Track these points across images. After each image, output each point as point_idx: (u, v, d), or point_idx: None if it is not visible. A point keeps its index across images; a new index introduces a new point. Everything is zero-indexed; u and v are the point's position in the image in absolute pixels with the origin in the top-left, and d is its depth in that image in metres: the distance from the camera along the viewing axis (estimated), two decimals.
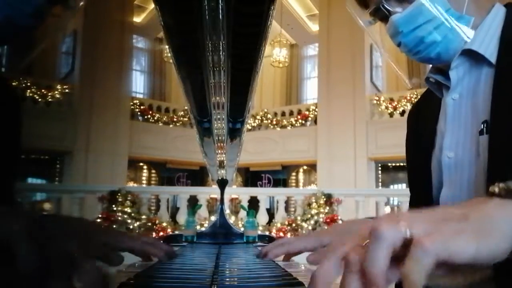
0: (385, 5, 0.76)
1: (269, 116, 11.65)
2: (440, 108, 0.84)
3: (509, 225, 0.34)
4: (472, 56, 0.73)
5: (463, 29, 0.72)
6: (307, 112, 11.06)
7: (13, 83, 8.80)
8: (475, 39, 0.73)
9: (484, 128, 0.68)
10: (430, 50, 0.74)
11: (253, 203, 6.91)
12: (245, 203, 6.70)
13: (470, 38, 0.73)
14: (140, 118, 10.73)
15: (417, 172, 0.87)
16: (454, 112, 0.77)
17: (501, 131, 0.65)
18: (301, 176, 12.95)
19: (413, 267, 0.31)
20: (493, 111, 0.67)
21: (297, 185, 12.79)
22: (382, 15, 0.78)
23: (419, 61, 0.78)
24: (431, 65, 0.84)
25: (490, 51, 0.71)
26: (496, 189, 0.39)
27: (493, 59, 0.70)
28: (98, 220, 6.23)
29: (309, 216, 6.78)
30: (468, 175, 0.72)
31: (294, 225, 6.80)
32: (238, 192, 8.21)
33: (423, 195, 0.83)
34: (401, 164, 10.53)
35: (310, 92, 13.66)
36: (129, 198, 6.70)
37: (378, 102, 9.83)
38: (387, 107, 9.73)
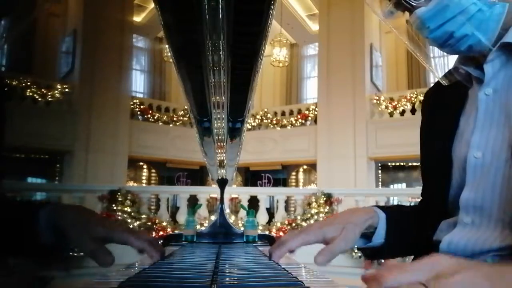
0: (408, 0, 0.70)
1: (269, 115, 11.65)
2: (465, 98, 0.78)
3: None
4: (510, 50, 0.68)
5: (493, 19, 0.67)
6: (307, 112, 11.07)
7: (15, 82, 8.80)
8: None
9: None
10: (460, 44, 0.69)
11: (253, 203, 6.91)
12: (245, 203, 6.71)
13: (499, 27, 0.67)
14: (140, 117, 10.73)
15: (434, 165, 0.82)
16: (486, 109, 0.71)
17: None
18: (301, 175, 12.95)
19: None
20: None
21: (297, 185, 12.80)
22: (404, 7, 0.72)
23: (448, 53, 0.73)
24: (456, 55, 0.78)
25: None
26: None
27: None
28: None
29: (309, 215, 6.78)
30: (494, 178, 0.67)
31: (294, 224, 6.80)
32: (238, 191, 8.21)
33: (439, 190, 0.79)
34: (401, 163, 10.55)
35: (310, 91, 13.65)
36: (129, 198, 6.70)
37: (378, 102, 9.83)
38: (387, 107, 9.73)
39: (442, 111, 0.83)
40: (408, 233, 0.85)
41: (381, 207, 0.86)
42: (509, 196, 0.64)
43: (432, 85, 0.94)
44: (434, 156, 0.82)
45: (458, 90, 0.79)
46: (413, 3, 0.70)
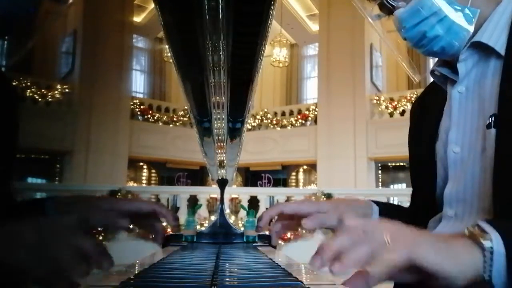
0: (388, 0, 0.75)
1: (269, 116, 11.66)
2: (445, 101, 0.81)
3: (470, 261, 0.47)
4: (481, 49, 0.72)
5: (463, 23, 0.70)
6: (307, 112, 11.07)
7: (12, 82, 8.80)
8: (485, 31, 0.71)
9: (492, 122, 0.66)
10: (433, 44, 0.73)
11: (253, 203, 6.91)
12: (245, 203, 6.71)
13: (470, 32, 0.71)
14: (140, 117, 10.73)
15: (420, 166, 0.85)
16: (460, 105, 0.75)
17: (509, 125, 0.63)
18: (301, 176, 12.95)
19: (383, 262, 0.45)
20: (501, 104, 0.65)
21: (297, 185, 12.80)
22: (388, 10, 0.77)
23: (424, 54, 0.77)
24: (436, 59, 0.82)
25: (500, 43, 0.69)
26: (467, 231, 0.50)
27: (503, 51, 0.68)
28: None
29: None
30: (473, 170, 0.70)
31: None
32: (238, 192, 8.21)
33: (427, 189, 0.81)
34: (401, 164, 10.54)
35: (310, 92, 13.66)
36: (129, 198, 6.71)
37: (378, 102, 9.84)
38: (387, 107, 9.73)
39: (425, 115, 0.87)
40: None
41: (377, 202, 0.88)
42: (486, 184, 0.66)
43: None
44: (420, 158, 0.85)
45: (440, 94, 0.83)
46: (393, 4, 0.75)
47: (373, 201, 0.89)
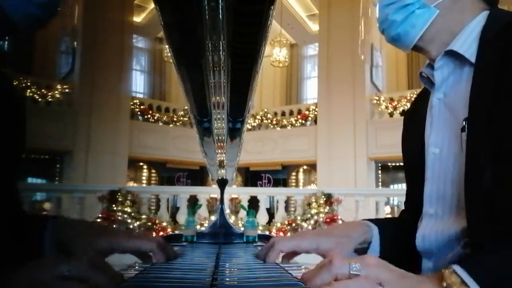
0: None
1: (269, 116, 11.66)
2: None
3: None
4: (455, 57, 0.76)
5: (421, 17, 0.77)
6: (307, 112, 11.07)
7: (16, 82, 8.79)
8: (458, 40, 0.75)
9: (466, 125, 0.69)
10: (391, 30, 0.79)
11: (253, 203, 6.91)
12: (245, 203, 6.70)
13: (425, 27, 0.77)
14: (140, 117, 10.73)
15: (412, 167, 0.89)
16: (439, 111, 0.79)
17: (477, 127, 0.66)
18: (301, 176, 12.95)
19: None
20: (471, 108, 0.68)
21: (297, 185, 12.80)
22: None
23: (387, 40, 0.83)
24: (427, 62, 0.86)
25: (471, 51, 0.73)
26: (445, 284, 0.51)
27: (473, 59, 0.72)
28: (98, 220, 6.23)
29: (309, 216, 6.77)
30: (452, 170, 0.74)
31: (294, 225, 6.79)
32: (238, 192, 8.21)
33: (419, 191, 0.83)
34: (401, 164, 10.51)
35: (310, 92, 13.66)
36: (129, 198, 6.70)
37: (378, 102, 9.83)
38: (387, 107, 9.73)
39: (416, 120, 0.90)
40: (401, 245, 0.88)
41: (374, 221, 0.88)
42: (463, 184, 0.69)
43: None
44: (412, 161, 0.89)
45: (429, 99, 0.85)
46: None
47: (370, 220, 0.89)
